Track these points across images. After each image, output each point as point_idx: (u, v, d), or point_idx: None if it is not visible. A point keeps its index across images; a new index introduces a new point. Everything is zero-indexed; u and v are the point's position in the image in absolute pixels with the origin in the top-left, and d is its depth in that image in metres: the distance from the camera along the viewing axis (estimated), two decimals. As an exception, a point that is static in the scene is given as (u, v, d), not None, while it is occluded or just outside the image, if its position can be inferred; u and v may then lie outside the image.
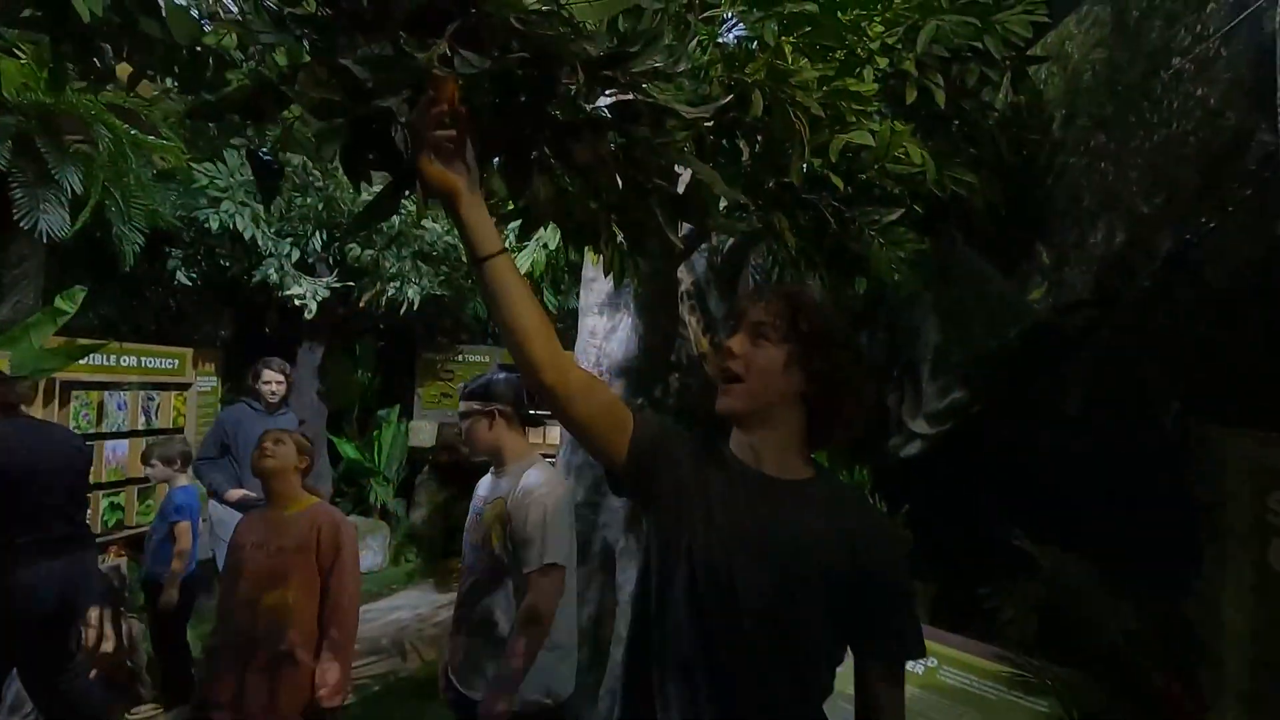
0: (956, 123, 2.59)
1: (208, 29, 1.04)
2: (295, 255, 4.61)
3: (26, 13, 1.25)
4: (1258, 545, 1.17)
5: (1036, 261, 2.60)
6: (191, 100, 1.03)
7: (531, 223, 1.20)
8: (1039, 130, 2.59)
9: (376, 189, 1.26)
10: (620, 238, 1.74)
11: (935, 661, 1.94)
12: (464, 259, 5.35)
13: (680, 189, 1.48)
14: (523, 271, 4.13)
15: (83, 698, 2.61)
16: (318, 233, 4.74)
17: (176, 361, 4.55)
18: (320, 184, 4.68)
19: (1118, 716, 1.53)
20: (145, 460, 3.36)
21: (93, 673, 2.92)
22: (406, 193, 1.13)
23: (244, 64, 1.05)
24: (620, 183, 1.31)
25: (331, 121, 0.83)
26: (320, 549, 2.05)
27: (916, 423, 2.48)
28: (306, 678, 2.00)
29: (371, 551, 5.86)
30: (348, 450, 6.08)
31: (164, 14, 1.12)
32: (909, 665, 1.97)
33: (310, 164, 4.62)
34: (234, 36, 1.01)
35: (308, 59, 1.05)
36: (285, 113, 0.97)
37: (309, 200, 4.60)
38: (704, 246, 3.18)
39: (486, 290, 1.02)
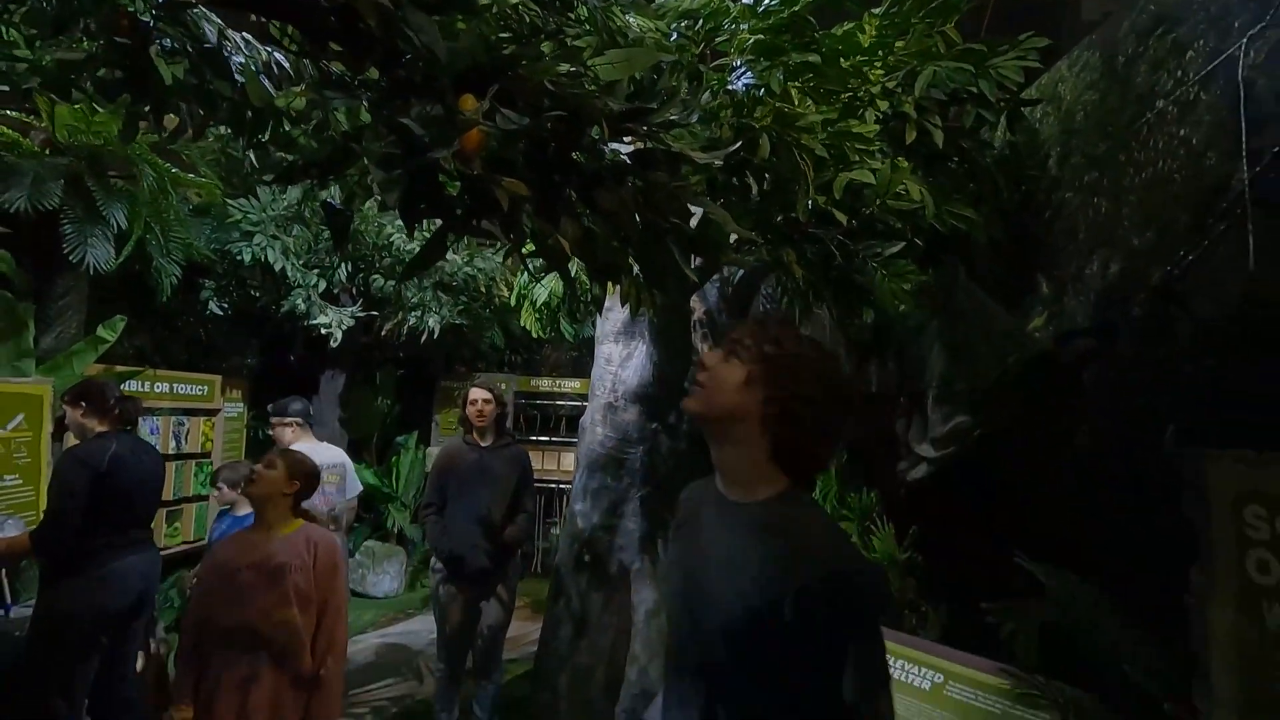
0: (956, 161, 2.72)
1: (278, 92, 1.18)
2: (322, 286, 4.79)
3: (102, 71, 1.41)
4: (1238, 557, 1.25)
5: (1038, 293, 2.70)
6: (269, 160, 1.16)
7: (560, 260, 1.33)
8: (1036, 168, 2.71)
9: (390, 216, 1.40)
10: (637, 270, 1.86)
11: (942, 678, 2.00)
12: (482, 289, 5.52)
13: (693, 224, 1.60)
14: (542, 300, 4.29)
15: (132, 709, 2.81)
16: (343, 265, 4.92)
17: (206, 388, 4.72)
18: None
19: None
20: (213, 482, 3.49)
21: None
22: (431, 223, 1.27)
23: (301, 124, 1.19)
24: (640, 224, 1.44)
25: (391, 172, 0.96)
26: (317, 566, 2.14)
27: (922, 447, 2.56)
28: (305, 695, 2.08)
29: (389, 576, 5.95)
30: (367, 476, 6.19)
31: (237, 78, 1.27)
32: (917, 678, 2.03)
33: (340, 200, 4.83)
34: (302, 99, 1.16)
35: (365, 119, 1.20)
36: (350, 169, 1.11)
37: (336, 234, 4.80)
38: (716, 277, 3.31)
39: None
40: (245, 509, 3.36)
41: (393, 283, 5.07)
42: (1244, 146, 1.51)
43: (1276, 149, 1.36)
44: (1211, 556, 1.30)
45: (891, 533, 2.41)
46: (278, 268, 4.47)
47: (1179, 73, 1.98)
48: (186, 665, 2.13)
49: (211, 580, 2.18)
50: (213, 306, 4.71)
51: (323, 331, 4.75)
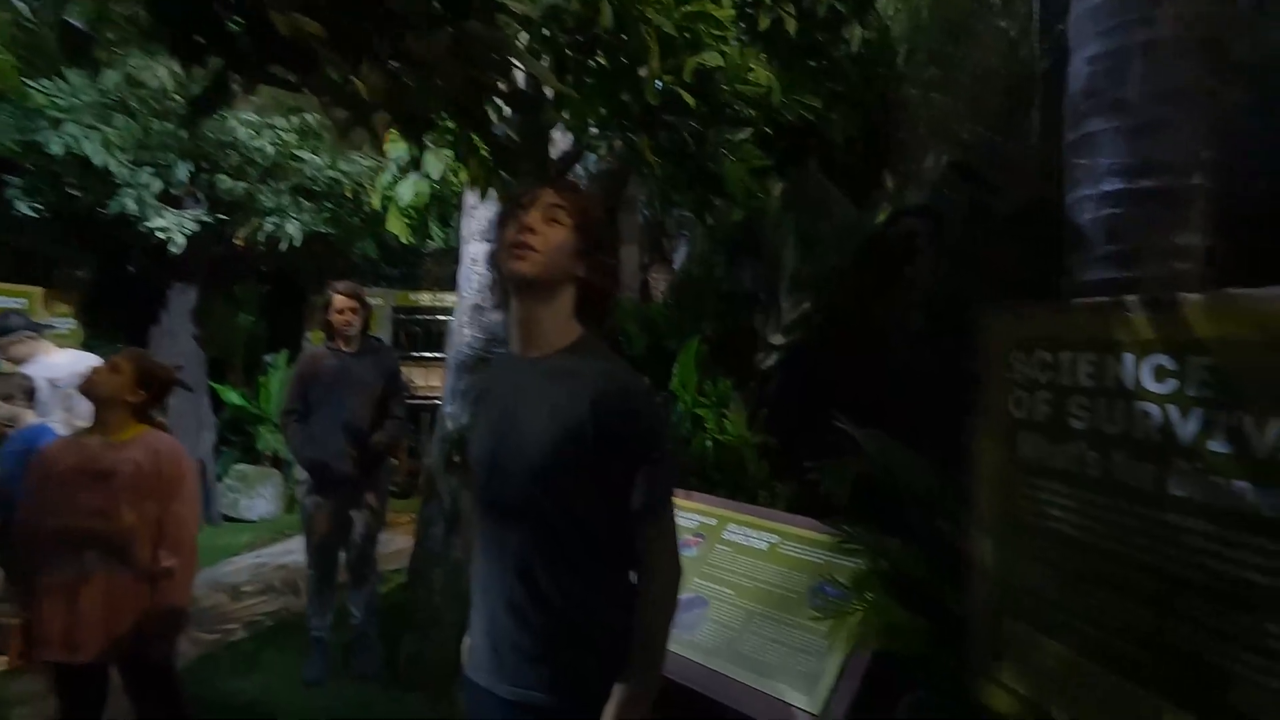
0: (816, 59, 2.75)
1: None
2: (158, 186, 4.30)
3: None
4: (1002, 396, 1.41)
5: (884, 189, 2.84)
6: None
7: (361, 110, 1.24)
8: (887, 65, 2.79)
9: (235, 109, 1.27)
10: (486, 152, 1.78)
11: (778, 538, 2.19)
12: (348, 194, 5.16)
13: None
14: (406, 201, 4.07)
15: None
16: (181, 163, 4.43)
17: (25, 301, 4.21)
18: (183, 110, 4.36)
19: (919, 565, 1.80)
20: None
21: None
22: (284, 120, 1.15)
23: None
24: (459, 79, 1.36)
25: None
26: (162, 473, 2.02)
27: (774, 337, 2.69)
28: (147, 590, 1.98)
29: (264, 499, 5.73)
30: (233, 397, 5.84)
31: None
32: (756, 540, 2.21)
33: (171, 90, 4.28)
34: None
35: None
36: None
37: (169, 126, 4.28)
38: (582, 173, 3.25)
39: None
40: (29, 419, 3.08)
41: (243, 184, 4.63)
42: (1038, 36, 1.62)
43: (1061, 27, 1.46)
44: (984, 398, 1.46)
45: (744, 418, 2.55)
46: (98, 162, 3.95)
47: (1005, -36, 2.07)
48: (14, 573, 1.99)
49: (37, 485, 2.02)
50: (21, 207, 4.13)
51: (160, 236, 4.30)
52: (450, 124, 1.67)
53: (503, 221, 1.24)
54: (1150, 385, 1.11)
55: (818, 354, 2.50)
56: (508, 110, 1.73)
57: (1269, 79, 1.40)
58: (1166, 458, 1.08)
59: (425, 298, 6.38)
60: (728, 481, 2.64)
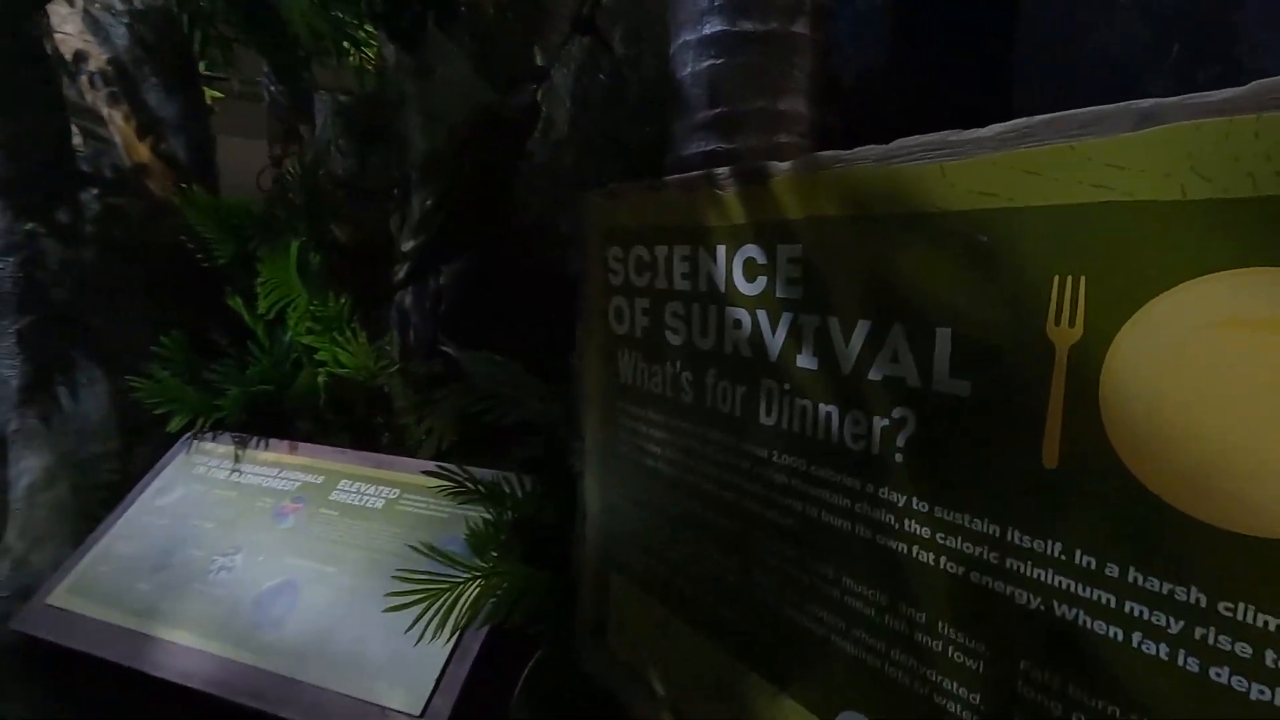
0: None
1: None
2: None
3: None
4: (602, 306, 1.11)
5: (531, 66, 2.41)
6: None
7: None
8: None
9: None
10: None
11: (397, 492, 1.77)
12: None
13: None
14: None
15: None
16: None
17: None
18: None
19: (543, 503, 1.52)
20: None
21: None
22: None
23: None
24: None
25: None
26: None
27: (406, 242, 2.18)
28: None
29: None
30: None
31: None
32: (372, 498, 1.77)
33: None
34: None
35: None
36: None
37: None
38: (122, 11, 2.27)
39: None
40: None
41: None
42: None
43: None
44: (586, 306, 1.15)
45: (364, 343, 2.03)
46: None
47: None
48: None
49: None
50: None
51: None
52: None
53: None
54: (742, 285, 0.86)
55: (460, 259, 2.06)
56: None
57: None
58: (755, 377, 0.85)
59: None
60: (352, 425, 2.13)
